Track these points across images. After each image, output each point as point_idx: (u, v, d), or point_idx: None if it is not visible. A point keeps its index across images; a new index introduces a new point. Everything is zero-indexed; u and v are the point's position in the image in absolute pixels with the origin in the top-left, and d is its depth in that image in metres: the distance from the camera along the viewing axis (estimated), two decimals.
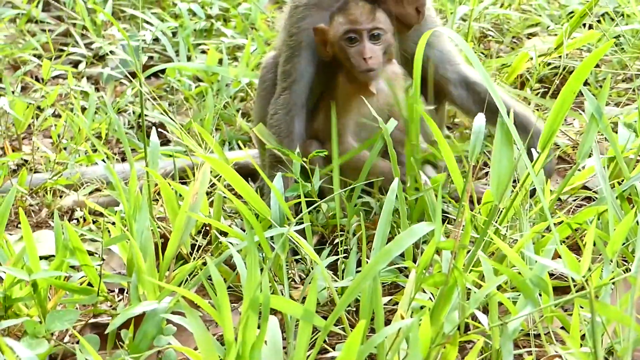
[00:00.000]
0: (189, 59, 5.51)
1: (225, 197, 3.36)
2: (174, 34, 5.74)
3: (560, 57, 4.82)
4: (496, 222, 3.12)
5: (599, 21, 5.41)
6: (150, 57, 5.67)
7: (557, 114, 3.07)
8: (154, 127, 4.18)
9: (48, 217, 4.10)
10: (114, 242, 3.13)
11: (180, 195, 3.53)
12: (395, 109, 3.62)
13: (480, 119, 3.23)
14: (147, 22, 5.78)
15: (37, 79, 5.46)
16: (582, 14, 4.41)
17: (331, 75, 3.73)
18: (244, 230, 3.17)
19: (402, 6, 3.68)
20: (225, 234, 3.36)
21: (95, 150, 4.51)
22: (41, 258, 3.17)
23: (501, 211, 3.13)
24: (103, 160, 4.40)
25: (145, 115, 4.95)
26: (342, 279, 3.19)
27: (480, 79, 3.73)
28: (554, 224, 3.20)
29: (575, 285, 2.73)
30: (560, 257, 2.65)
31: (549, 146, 3.12)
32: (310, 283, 3.05)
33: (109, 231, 3.39)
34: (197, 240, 3.65)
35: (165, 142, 4.70)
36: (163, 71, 5.29)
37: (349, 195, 3.49)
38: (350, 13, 3.62)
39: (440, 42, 3.83)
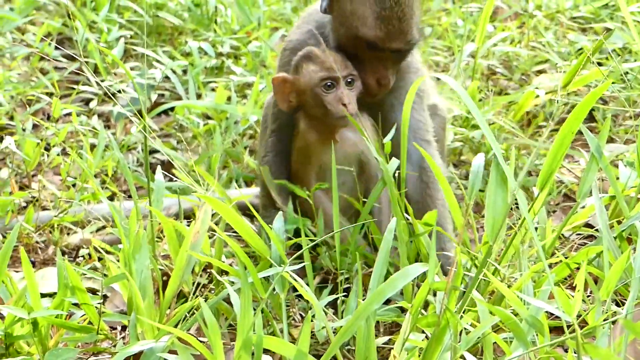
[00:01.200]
0: (199, 96, 5.55)
1: (223, 237, 3.36)
2: (185, 72, 5.78)
3: (568, 94, 4.84)
4: (495, 261, 3.13)
5: (607, 58, 5.43)
6: (161, 95, 5.71)
7: (556, 154, 3.10)
8: (160, 165, 4.22)
9: (54, 255, 4.12)
10: (114, 281, 3.16)
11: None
12: (365, 156, 3.63)
13: (480, 158, 3.26)
14: (158, 61, 5.83)
15: (48, 117, 5.50)
16: (593, 51, 4.41)
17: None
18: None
19: (364, 75, 3.66)
20: (227, 273, 3.39)
21: (103, 188, 4.54)
22: (46, 295, 3.21)
23: (501, 250, 3.14)
24: (110, 198, 4.43)
25: (154, 152, 5.00)
26: (342, 317, 3.20)
27: (432, 155, 3.68)
28: (555, 262, 3.22)
29: (570, 326, 2.73)
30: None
31: (547, 185, 3.14)
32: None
33: (107, 270, 3.42)
34: (201, 277, 3.66)
35: (171, 180, 4.73)
36: (173, 109, 5.33)
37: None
38: (323, 61, 3.59)
39: (416, 110, 3.76)
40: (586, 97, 3.06)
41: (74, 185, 4.55)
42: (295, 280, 2.88)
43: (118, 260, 3.40)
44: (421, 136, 3.77)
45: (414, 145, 3.63)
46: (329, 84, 3.57)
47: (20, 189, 4.63)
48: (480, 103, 4.90)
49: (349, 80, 3.60)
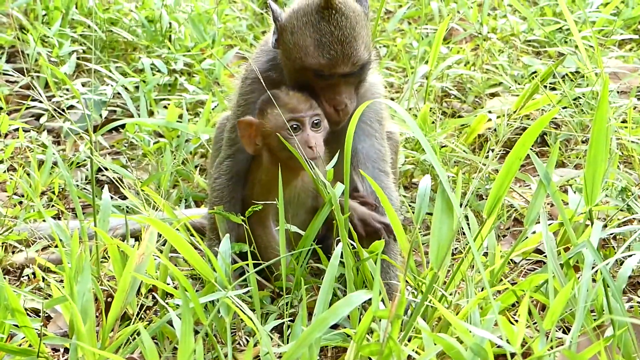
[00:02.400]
0: (151, 114, 5.50)
1: (165, 261, 3.32)
2: (137, 89, 5.73)
3: (520, 118, 4.85)
4: (442, 287, 3.12)
5: (560, 82, 5.45)
6: (113, 111, 5.66)
7: (504, 179, 3.09)
8: (109, 184, 4.17)
9: None
10: (54, 303, 3.11)
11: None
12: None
13: (425, 181, 3.25)
14: (110, 77, 5.78)
15: None
16: (543, 77, 4.43)
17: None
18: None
19: (321, 104, 3.64)
20: (172, 295, 3.35)
21: (52, 206, 4.48)
22: None
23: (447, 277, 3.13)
24: (57, 217, 4.38)
25: (103, 170, 4.94)
26: (287, 342, 3.17)
27: (388, 187, 3.73)
28: (502, 290, 3.21)
29: (514, 355, 2.72)
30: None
31: (495, 211, 3.13)
32: (254, 345, 3.03)
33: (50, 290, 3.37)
34: (146, 299, 3.61)
35: (122, 197, 4.68)
36: (124, 126, 5.27)
37: (296, 257, 3.48)
38: (286, 102, 3.58)
39: (376, 139, 3.79)
40: (534, 123, 3.06)
41: (20, 202, 4.49)
42: (238, 305, 2.84)
43: (62, 281, 3.35)
44: (380, 167, 3.78)
45: (371, 174, 3.68)
46: (294, 126, 3.55)
47: None
48: (432, 125, 4.89)
49: (315, 121, 3.58)
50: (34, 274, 3.96)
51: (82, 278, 3.08)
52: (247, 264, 3.31)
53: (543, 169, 3.25)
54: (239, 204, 3.80)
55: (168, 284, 3.40)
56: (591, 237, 3.03)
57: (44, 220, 4.29)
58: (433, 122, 4.99)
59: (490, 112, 4.99)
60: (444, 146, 4.74)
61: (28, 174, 4.61)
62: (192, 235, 3.64)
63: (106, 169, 4.90)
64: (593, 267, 2.99)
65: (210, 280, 3.14)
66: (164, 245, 3.79)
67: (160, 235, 3.58)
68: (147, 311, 3.57)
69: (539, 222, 3.31)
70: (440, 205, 2.90)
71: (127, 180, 4.62)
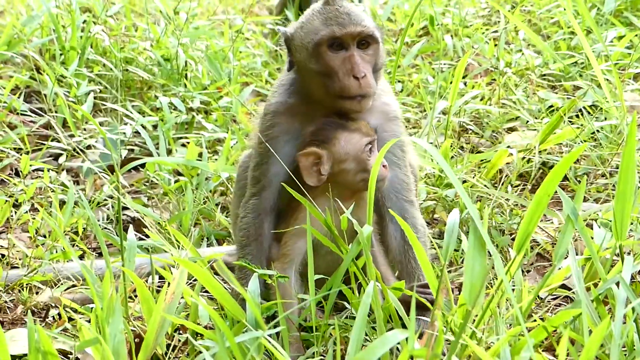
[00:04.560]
0: (169, 152, 5.52)
1: (202, 304, 3.32)
2: (155, 127, 5.75)
3: (540, 152, 4.85)
4: (472, 323, 3.11)
5: (577, 116, 5.46)
6: (131, 150, 5.68)
7: (532, 216, 3.10)
8: (131, 223, 4.18)
9: (23, 314, 4.06)
10: (87, 345, 3.10)
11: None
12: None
13: (454, 215, 3.25)
14: (127, 116, 5.80)
15: (17, 172, 5.45)
16: (565, 110, 4.45)
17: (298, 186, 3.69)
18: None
19: (340, 79, 3.68)
20: (201, 335, 3.35)
21: (73, 246, 4.49)
22: (16, 357, 3.15)
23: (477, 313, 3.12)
24: (80, 257, 4.38)
25: (124, 210, 4.95)
26: None
27: (414, 217, 3.78)
28: (530, 327, 3.20)
29: None
30: None
31: (524, 248, 3.13)
32: None
33: (77, 331, 3.36)
34: (173, 340, 3.61)
35: (145, 236, 4.69)
36: (144, 165, 5.29)
37: (325, 296, 3.49)
38: (358, 127, 3.67)
39: (400, 167, 3.82)
40: (563, 160, 3.06)
41: (43, 244, 4.49)
42: (274, 346, 2.84)
43: (89, 321, 3.35)
44: (405, 196, 3.81)
45: (397, 206, 3.73)
46: (370, 148, 3.65)
47: None
48: (452, 161, 4.90)
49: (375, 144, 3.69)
50: (59, 314, 3.96)
51: (113, 319, 3.08)
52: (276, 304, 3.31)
53: (571, 205, 3.25)
54: (267, 242, 3.82)
55: (198, 325, 3.39)
56: (623, 273, 3.03)
57: (67, 261, 4.31)
58: (452, 157, 5.00)
59: (509, 147, 4.99)
60: (465, 181, 4.74)
61: (50, 214, 4.62)
62: (217, 274, 3.65)
63: (127, 208, 4.92)
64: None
65: (242, 320, 3.14)
66: (187, 284, 3.79)
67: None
68: (174, 351, 3.57)
69: (566, 257, 3.32)
70: (472, 243, 2.90)
71: (149, 219, 4.63)
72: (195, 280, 4.01)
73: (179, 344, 3.59)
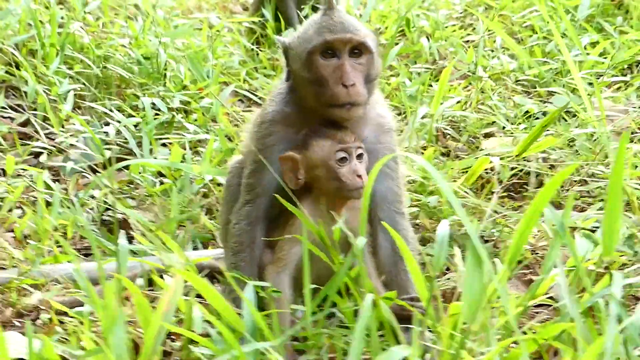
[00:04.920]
0: (150, 152, 5.55)
1: (207, 316, 3.37)
2: (136, 126, 5.77)
3: (518, 159, 4.94)
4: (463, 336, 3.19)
5: (555, 123, 5.56)
6: (109, 149, 5.68)
7: (523, 232, 3.18)
8: (117, 224, 4.21)
9: (12, 317, 4.08)
10: (91, 355, 3.13)
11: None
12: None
13: (444, 226, 3.33)
14: (108, 115, 5.83)
15: None
16: (546, 122, 4.53)
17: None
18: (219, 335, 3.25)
19: (329, 87, 3.70)
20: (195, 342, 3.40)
21: (59, 246, 4.51)
22: None
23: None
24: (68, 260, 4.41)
25: (108, 209, 4.98)
26: None
27: (405, 229, 3.85)
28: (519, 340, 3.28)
29: None
30: None
31: (514, 260, 3.22)
32: None
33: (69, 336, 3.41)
34: (165, 344, 3.66)
35: (129, 237, 4.73)
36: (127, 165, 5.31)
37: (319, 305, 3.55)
38: (333, 134, 3.68)
39: (392, 179, 3.86)
40: (555, 176, 3.16)
41: (28, 245, 4.52)
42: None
43: (80, 323, 3.40)
44: (396, 208, 3.86)
45: (388, 217, 3.79)
46: (342, 157, 3.66)
47: None
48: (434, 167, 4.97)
49: (359, 153, 3.69)
50: (49, 318, 3.97)
51: (116, 329, 3.13)
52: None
53: (559, 219, 3.34)
54: (259, 249, 3.86)
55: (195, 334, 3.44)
56: (613, 288, 3.11)
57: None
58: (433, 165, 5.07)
59: (489, 154, 5.08)
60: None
61: (33, 212, 4.66)
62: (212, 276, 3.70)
63: (110, 209, 4.95)
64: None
65: (241, 330, 3.20)
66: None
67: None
68: (168, 357, 3.62)
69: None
70: (471, 261, 2.98)
71: (132, 220, 4.67)
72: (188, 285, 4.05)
73: (174, 351, 3.64)
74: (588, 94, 5.39)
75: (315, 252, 3.48)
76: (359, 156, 3.69)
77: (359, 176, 3.64)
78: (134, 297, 3.44)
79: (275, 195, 3.69)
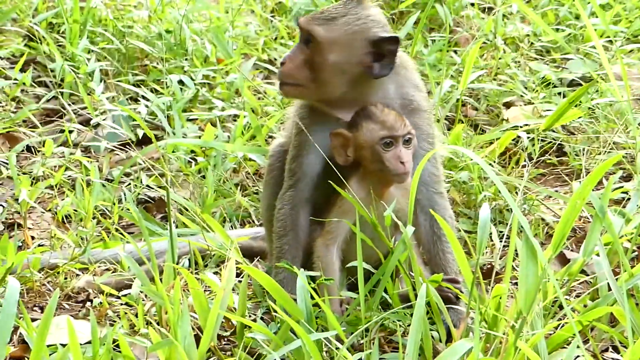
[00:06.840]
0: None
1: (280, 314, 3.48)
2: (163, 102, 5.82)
3: (544, 130, 5.03)
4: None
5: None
6: (137, 126, 5.71)
7: (568, 218, 3.32)
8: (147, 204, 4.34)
9: (61, 299, 4.16)
10: (159, 347, 3.23)
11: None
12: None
13: (485, 210, 3.45)
14: (132, 91, 5.89)
15: (28, 148, 5.52)
16: (574, 98, 4.62)
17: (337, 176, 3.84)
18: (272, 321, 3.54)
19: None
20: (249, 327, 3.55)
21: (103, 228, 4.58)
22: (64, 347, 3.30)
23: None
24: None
25: (145, 188, 5.06)
26: None
27: (444, 209, 3.97)
28: (563, 322, 3.41)
29: None
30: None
31: (560, 246, 3.35)
32: None
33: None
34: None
35: (163, 217, 4.86)
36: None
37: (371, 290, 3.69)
38: (383, 120, 3.79)
39: (429, 160, 3.90)
40: (597, 167, 3.30)
41: (70, 222, 4.61)
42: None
43: (124, 304, 3.54)
44: (434, 189, 4.00)
45: (427, 197, 3.94)
46: (388, 142, 3.77)
47: (11, 226, 4.70)
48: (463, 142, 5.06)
49: (407, 139, 3.79)
50: (99, 301, 4.06)
51: (182, 322, 3.26)
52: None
53: (599, 203, 3.48)
54: (303, 233, 3.99)
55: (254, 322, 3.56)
56: None
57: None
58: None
59: (516, 127, 5.18)
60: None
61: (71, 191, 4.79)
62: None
63: (145, 187, 5.04)
64: None
65: (301, 319, 3.33)
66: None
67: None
68: (221, 341, 3.75)
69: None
70: (525, 253, 3.10)
71: (176, 203, 4.76)
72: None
73: (227, 335, 3.78)
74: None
75: (362, 237, 3.60)
76: (407, 141, 3.80)
77: (403, 162, 3.76)
78: (191, 288, 3.54)
79: (323, 177, 3.84)
